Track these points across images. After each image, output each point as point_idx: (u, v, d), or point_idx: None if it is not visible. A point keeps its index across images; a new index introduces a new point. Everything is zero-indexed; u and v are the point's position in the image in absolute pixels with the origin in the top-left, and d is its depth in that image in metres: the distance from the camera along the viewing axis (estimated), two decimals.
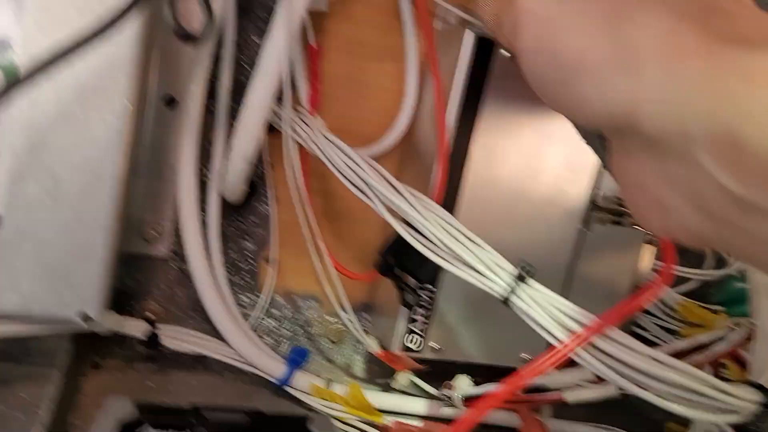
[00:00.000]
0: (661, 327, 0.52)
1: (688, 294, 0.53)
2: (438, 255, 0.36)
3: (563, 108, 0.26)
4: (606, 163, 0.29)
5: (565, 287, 0.46)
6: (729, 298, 0.53)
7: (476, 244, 0.36)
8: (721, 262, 0.53)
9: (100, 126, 0.31)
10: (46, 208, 0.32)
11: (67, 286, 0.33)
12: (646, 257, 0.49)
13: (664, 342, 0.50)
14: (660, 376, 0.32)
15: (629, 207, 0.27)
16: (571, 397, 0.39)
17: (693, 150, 0.21)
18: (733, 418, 0.34)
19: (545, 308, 0.34)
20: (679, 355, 0.38)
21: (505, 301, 0.35)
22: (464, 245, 0.36)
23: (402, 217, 0.38)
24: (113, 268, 0.35)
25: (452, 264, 0.36)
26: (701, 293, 0.53)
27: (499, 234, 0.40)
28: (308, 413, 0.29)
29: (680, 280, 0.53)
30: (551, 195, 0.45)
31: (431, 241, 0.37)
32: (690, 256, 0.54)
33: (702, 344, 0.38)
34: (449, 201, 0.42)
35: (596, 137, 0.29)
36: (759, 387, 0.35)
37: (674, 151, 0.22)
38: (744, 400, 0.34)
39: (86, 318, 0.34)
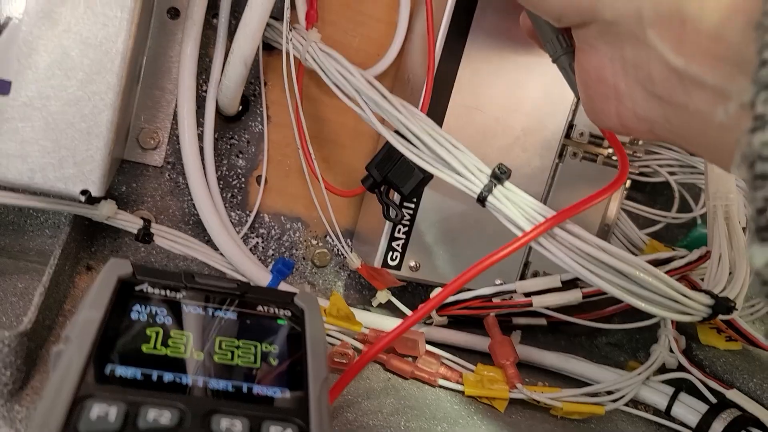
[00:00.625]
0: None
1: (655, 236, 0.56)
2: (423, 159, 0.39)
3: (537, 3, 0.29)
4: (568, 65, 0.32)
5: None
6: (694, 242, 0.56)
7: (458, 149, 0.38)
8: (686, 206, 0.56)
9: (110, 3, 0.33)
10: (56, 81, 0.34)
11: (72, 162, 0.35)
12: (616, 196, 0.52)
13: None
14: (613, 265, 0.34)
15: (588, 104, 0.30)
16: (537, 302, 0.42)
17: (644, 30, 0.24)
18: (687, 318, 0.37)
19: (517, 205, 0.36)
20: None
21: (483, 201, 0.37)
22: (447, 149, 0.38)
23: (390, 127, 0.40)
24: (116, 150, 0.37)
25: (435, 167, 0.38)
26: (668, 237, 0.56)
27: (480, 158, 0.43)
28: (297, 291, 0.32)
29: (648, 222, 0.56)
30: (531, 125, 0.48)
31: (416, 147, 0.39)
32: (658, 200, 0.57)
33: (662, 259, 0.41)
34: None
35: (559, 38, 0.32)
36: (712, 295, 0.38)
37: (629, 34, 0.25)
38: (698, 302, 0.37)
39: (87, 195, 0.36)
